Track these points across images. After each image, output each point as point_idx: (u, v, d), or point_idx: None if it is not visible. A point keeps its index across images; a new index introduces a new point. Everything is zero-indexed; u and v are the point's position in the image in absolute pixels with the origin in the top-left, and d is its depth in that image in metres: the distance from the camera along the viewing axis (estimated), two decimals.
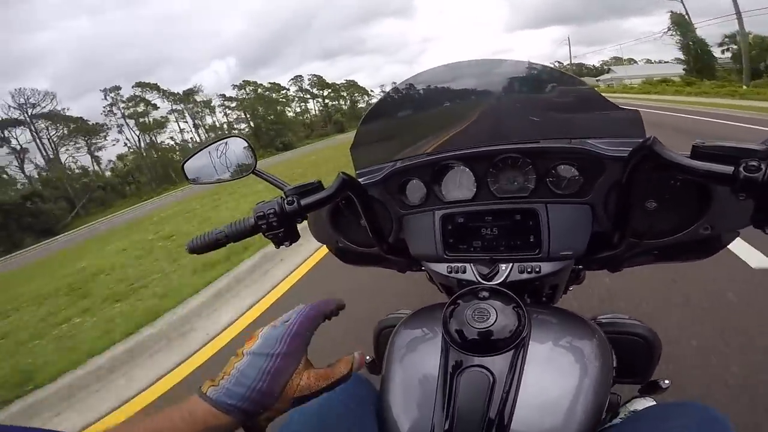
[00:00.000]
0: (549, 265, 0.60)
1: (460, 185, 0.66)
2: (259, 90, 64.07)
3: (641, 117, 0.57)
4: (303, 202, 0.60)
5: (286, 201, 0.60)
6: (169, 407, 0.36)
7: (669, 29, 33.20)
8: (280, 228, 0.61)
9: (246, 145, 0.69)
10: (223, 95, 62.24)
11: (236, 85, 63.38)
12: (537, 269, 0.60)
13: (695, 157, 0.43)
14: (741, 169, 0.39)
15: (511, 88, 0.67)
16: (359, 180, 0.71)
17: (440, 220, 0.66)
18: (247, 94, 63.13)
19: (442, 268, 0.66)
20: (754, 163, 0.39)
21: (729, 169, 0.40)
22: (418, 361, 0.55)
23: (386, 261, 0.79)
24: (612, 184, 0.56)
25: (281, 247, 0.65)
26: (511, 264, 0.61)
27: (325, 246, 0.84)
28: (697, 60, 32.00)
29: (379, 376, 0.60)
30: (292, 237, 0.64)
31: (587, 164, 0.58)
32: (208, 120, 60.03)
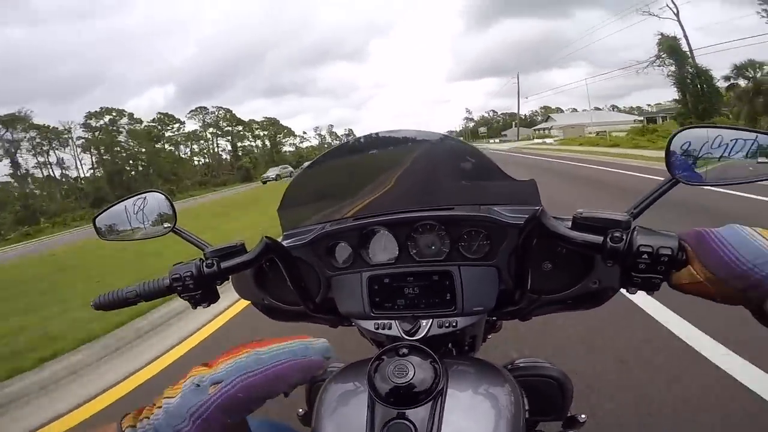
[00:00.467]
0: (464, 319, 0.64)
1: (384, 248, 0.70)
2: (123, 120, 49.10)
3: (537, 187, 0.65)
4: (223, 265, 0.59)
5: (205, 263, 0.59)
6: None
7: (658, 57, 25.76)
8: (197, 290, 0.59)
9: (165, 201, 0.67)
10: (86, 124, 46.67)
11: (92, 113, 48.07)
12: (454, 323, 0.64)
13: (574, 226, 0.50)
14: (608, 239, 0.46)
15: (430, 158, 0.73)
16: (286, 241, 0.72)
17: (367, 281, 0.68)
18: (106, 124, 48.00)
19: (369, 324, 0.68)
20: (618, 234, 0.46)
21: (599, 239, 0.47)
22: (347, 416, 0.56)
23: (315, 318, 0.79)
24: (513, 248, 0.62)
25: (198, 308, 0.63)
26: (431, 320, 0.65)
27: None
28: (699, 99, 23.48)
29: (310, 429, 0.60)
30: (211, 298, 0.62)
31: (492, 230, 0.65)
32: (52, 156, 44.77)
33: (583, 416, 0.84)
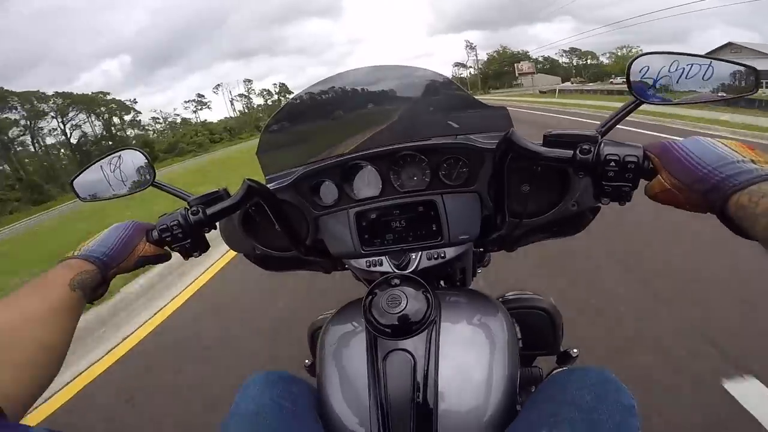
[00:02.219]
0: (452, 249, 0.67)
1: (368, 183, 0.71)
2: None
3: (508, 112, 0.68)
4: (209, 211, 0.59)
5: (190, 211, 0.59)
6: (33, 279, 0.47)
7: None
8: (186, 239, 0.60)
9: (141, 157, 0.66)
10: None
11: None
12: (442, 255, 0.67)
13: (545, 144, 0.52)
14: (577, 152, 0.49)
15: (408, 92, 0.74)
16: (269, 185, 0.72)
17: (354, 217, 0.70)
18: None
19: (361, 263, 0.70)
20: (587, 146, 0.49)
21: (569, 153, 0.50)
22: (348, 354, 0.58)
23: (309, 264, 0.80)
24: (491, 173, 0.64)
25: (190, 258, 0.64)
26: (420, 252, 0.67)
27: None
28: None
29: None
30: (201, 247, 0.63)
31: (470, 157, 0.67)
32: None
33: (575, 351, 0.88)
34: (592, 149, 0.48)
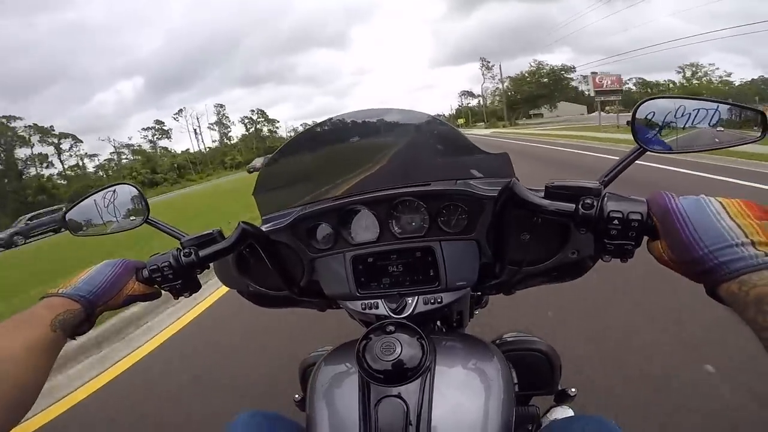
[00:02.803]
0: (449, 295, 0.65)
1: (366, 228, 0.70)
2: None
3: (509, 159, 0.66)
4: (201, 253, 0.59)
5: (182, 253, 0.59)
6: (13, 316, 0.46)
7: None
8: (177, 280, 0.59)
9: (136, 192, 0.65)
10: None
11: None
12: (439, 300, 0.65)
13: (547, 196, 0.50)
14: (579, 206, 0.47)
15: (406, 136, 0.73)
16: (264, 226, 0.71)
17: (350, 261, 0.68)
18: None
19: (357, 305, 0.68)
20: (589, 201, 0.47)
21: (571, 207, 0.48)
22: (340, 397, 0.57)
23: (303, 302, 0.79)
24: (491, 221, 0.63)
25: (180, 298, 0.63)
26: (416, 297, 0.66)
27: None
28: None
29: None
30: (192, 288, 0.62)
31: (470, 204, 0.65)
32: None
33: (573, 390, 0.86)
34: (595, 204, 0.46)
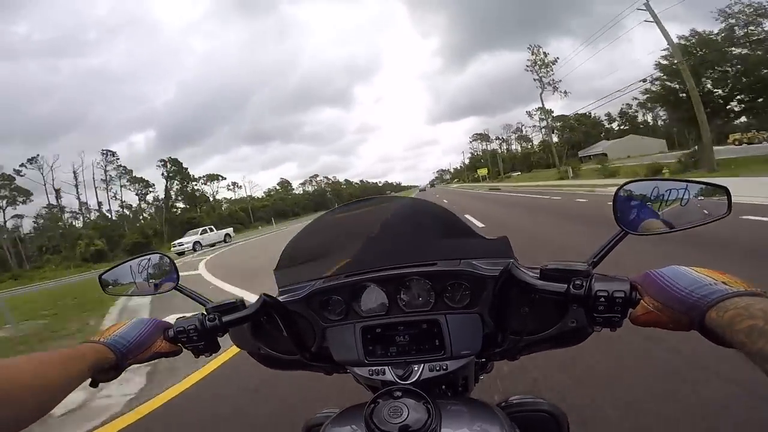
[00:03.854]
0: (454, 362, 0.68)
1: (375, 301, 0.75)
2: None
3: (509, 242, 0.73)
4: (224, 319, 0.65)
5: (207, 318, 0.64)
6: (62, 349, 0.50)
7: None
8: (200, 341, 0.65)
9: (169, 261, 0.72)
10: None
11: None
12: (444, 367, 0.68)
13: (542, 276, 0.56)
14: (570, 287, 0.53)
15: (414, 219, 0.81)
16: (282, 297, 0.77)
17: (360, 331, 0.73)
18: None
19: (364, 371, 0.72)
20: (579, 282, 0.53)
21: (563, 287, 0.54)
22: None
23: (311, 366, 0.82)
24: (493, 298, 0.68)
25: (200, 357, 0.67)
26: (422, 364, 0.69)
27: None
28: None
29: None
30: (213, 349, 0.67)
31: (472, 281, 0.71)
32: None
33: None
34: (584, 284, 0.52)
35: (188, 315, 0.66)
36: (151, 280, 0.72)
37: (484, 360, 0.82)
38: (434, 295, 0.72)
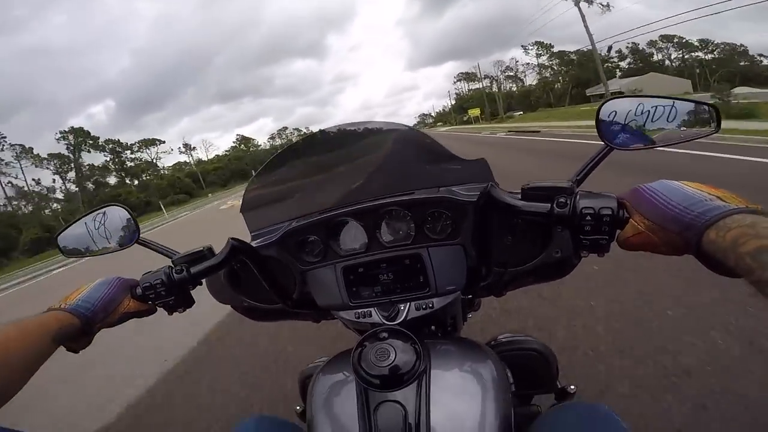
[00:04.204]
0: (439, 299, 0.67)
1: (354, 238, 0.72)
2: None
3: (488, 164, 0.69)
4: (193, 270, 0.60)
5: (174, 270, 0.60)
6: (21, 320, 0.48)
7: None
8: (170, 296, 0.61)
9: (126, 213, 0.66)
10: None
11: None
12: (430, 305, 0.67)
13: (524, 197, 0.53)
14: (554, 205, 0.50)
15: (387, 146, 0.75)
16: (254, 242, 0.73)
17: (341, 271, 0.70)
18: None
19: (350, 314, 0.70)
20: (563, 200, 0.50)
21: (546, 206, 0.51)
22: (339, 404, 0.58)
23: (297, 315, 0.80)
24: (474, 226, 0.65)
25: (174, 313, 0.64)
26: (408, 303, 0.68)
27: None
28: None
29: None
30: (186, 303, 0.63)
31: (453, 210, 0.68)
32: None
33: (572, 387, 0.87)
34: (568, 202, 0.49)
35: (154, 270, 0.62)
36: (110, 237, 0.67)
37: (470, 297, 0.81)
38: (414, 227, 0.69)
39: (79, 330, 0.53)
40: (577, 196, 0.50)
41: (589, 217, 0.48)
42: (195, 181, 55.38)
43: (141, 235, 0.66)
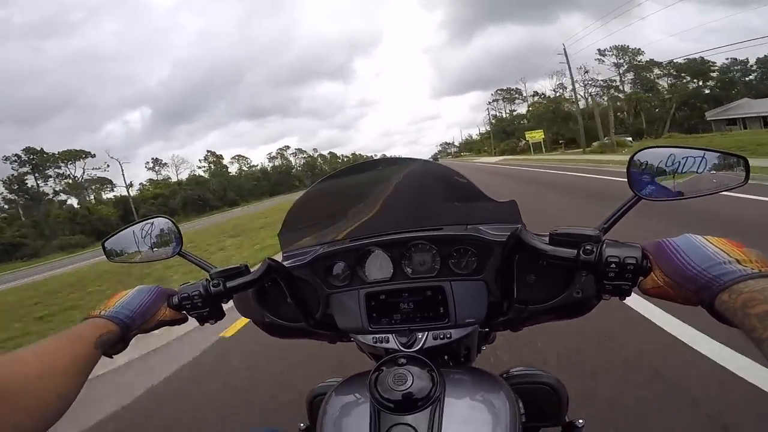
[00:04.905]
0: (457, 331, 0.68)
1: (380, 267, 0.74)
2: None
3: (517, 206, 0.71)
4: (229, 284, 0.64)
5: (211, 284, 0.64)
6: (63, 331, 0.50)
7: None
8: (204, 308, 0.64)
9: (172, 225, 0.71)
10: None
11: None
12: (448, 335, 0.68)
13: (551, 242, 0.55)
14: (580, 252, 0.52)
15: (417, 182, 0.79)
16: (285, 262, 0.76)
17: (364, 297, 0.72)
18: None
19: (368, 339, 0.72)
20: (589, 247, 0.52)
21: (573, 252, 0.53)
22: (351, 424, 0.59)
23: (315, 334, 0.82)
24: (499, 263, 0.67)
25: (206, 324, 0.67)
26: (426, 332, 0.69)
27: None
28: None
29: None
30: (217, 315, 0.67)
31: (479, 247, 0.70)
32: None
33: (580, 421, 0.86)
34: (595, 250, 0.51)
35: (192, 282, 0.66)
36: (154, 246, 0.71)
37: (487, 330, 0.82)
38: (440, 261, 0.71)
39: (118, 336, 0.55)
40: (604, 245, 0.51)
41: (613, 265, 0.50)
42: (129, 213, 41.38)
43: (183, 248, 0.71)
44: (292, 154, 73.70)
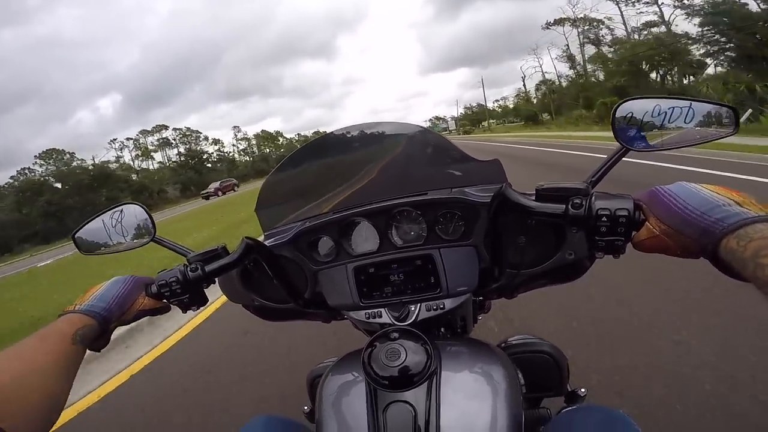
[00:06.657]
0: (450, 301, 0.67)
1: (366, 239, 0.72)
2: None
3: (501, 165, 0.69)
4: (207, 268, 0.61)
5: (189, 268, 0.61)
6: (37, 332, 0.48)
7: None
8: (184, 294, 0.61)
9: (143, 212, 0.67)
10: None
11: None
12: (441, 306, 0.67)
13: (538, 198, 0.53)
14: (569, 206, 0.50)
15: (400, 147, 0.76)
16: (267, 241, 0.73)
17: (353, 272, 0.70)
18: None
19: (360, 315, 0.70)
20: (578, 201, 0.50)
21: (561, 207, 0.50)
22: (348, 404, 0.58)
23: (308, 314, 0.80)
24: (487, 227, 0.65)
25: (188, 312, 0.64)
26: (419, 304, 0.68)
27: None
28: None
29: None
30: (199, 301, 0.64)
31: (466, 211, 0.68)
32: None
33: (583, 390, 0.86)
34: (584, 203, 0.49)
35: (170, 268, 0.63)
36: (127, 235, 0.68)
37: (481, 299, 0.81)
38: (426, 228, 0.69)
39: (96, 330, 0.53)
40: (593, 197, 0.49)
41: (604, 219, 0.47)
42: None
43: (157, 234, 0.67)
44: (257, 134, 65.82)
